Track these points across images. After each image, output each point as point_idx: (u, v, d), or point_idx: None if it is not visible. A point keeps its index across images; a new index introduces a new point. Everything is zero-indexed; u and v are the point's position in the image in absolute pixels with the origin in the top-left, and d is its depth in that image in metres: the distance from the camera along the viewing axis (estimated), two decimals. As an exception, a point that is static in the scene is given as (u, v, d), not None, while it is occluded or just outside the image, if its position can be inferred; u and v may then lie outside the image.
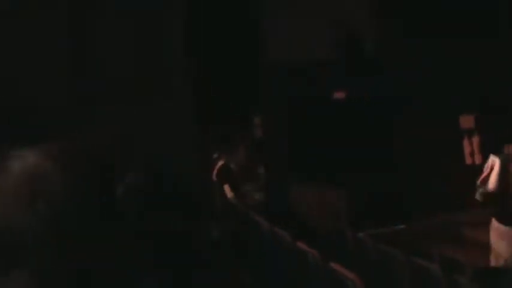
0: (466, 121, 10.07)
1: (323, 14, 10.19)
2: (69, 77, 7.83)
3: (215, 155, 8.57)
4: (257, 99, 9.66)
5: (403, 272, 5.64)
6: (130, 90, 8.30)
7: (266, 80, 9.69)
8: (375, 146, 9.73)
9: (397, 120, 10.19)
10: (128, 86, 8.21)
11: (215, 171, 8.38)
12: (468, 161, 10.15)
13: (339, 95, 9.88)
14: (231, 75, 9.41)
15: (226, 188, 8.26)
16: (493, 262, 6.30)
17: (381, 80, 9.98)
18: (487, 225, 8.37)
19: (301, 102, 9.62)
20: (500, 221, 6.37)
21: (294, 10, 10.09)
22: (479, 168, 9.91)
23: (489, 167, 6.66)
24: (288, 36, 9.87)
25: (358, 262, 5.64)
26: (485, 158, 10.04)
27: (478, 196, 6.58)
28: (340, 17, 10.31)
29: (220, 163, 8.48)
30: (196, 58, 9.16)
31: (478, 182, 6.69)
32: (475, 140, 10.06)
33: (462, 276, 5.00)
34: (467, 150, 10.10)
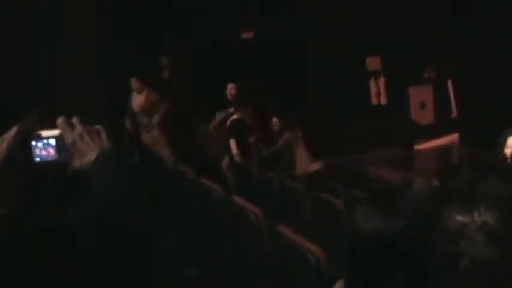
0: (372, 63, 10.15)
1: None
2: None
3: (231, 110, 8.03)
4: (163, 40, 9.40)
5: (307, 206, 5.69)
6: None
7: (172, 20, 9.41)
8: (285, 88, 9.66)
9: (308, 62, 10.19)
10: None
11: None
12: (374, 101, 10.30)
13: (247, 35, 9.70)
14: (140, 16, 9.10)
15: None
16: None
17: (290, 22, 9.90)
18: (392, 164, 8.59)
19: (207, 43, 9.41)
20: None
21: None
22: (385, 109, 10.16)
23: None
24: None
25: (263, 196, 5.66)
26: (390, 99, 10.27)
27: None
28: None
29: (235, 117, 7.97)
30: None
31: None
32: (381, 81, 10.19)
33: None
34: (373, 91, 10.22)
